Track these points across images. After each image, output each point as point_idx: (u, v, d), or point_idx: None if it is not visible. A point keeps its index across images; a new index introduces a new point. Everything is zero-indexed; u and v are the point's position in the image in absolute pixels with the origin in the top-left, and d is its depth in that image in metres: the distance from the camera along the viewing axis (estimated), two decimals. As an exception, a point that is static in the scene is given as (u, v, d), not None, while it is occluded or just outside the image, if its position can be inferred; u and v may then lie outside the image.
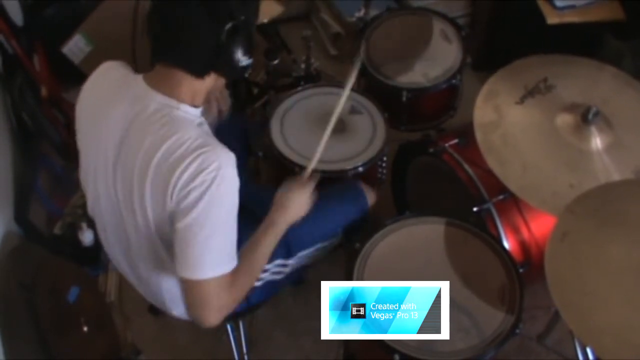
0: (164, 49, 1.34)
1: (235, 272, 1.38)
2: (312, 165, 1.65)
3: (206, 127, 1.41)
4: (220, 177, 1.29)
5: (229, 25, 1.28)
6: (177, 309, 1.59)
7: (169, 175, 1.29)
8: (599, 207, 1.42)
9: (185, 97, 1.35)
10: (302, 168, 1.83)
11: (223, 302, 1.37)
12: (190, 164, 1.28)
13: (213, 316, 1.38)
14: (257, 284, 1.65)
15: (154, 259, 1.46)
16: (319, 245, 1.74)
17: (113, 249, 1.55)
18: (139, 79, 1.38)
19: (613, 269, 1.30)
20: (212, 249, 1.32)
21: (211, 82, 1.38)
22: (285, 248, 1.66)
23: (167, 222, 1.35)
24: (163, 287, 1.53)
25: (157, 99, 1.34)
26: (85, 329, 1.77)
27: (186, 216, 1.30)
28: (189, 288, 1.36)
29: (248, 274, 1.43)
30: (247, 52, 1.35)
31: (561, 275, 1.31)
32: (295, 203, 1.55)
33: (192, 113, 1.37)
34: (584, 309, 1.27)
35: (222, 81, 1.42)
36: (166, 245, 1.40)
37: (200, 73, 1.34)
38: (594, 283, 1.29)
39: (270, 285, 1.69)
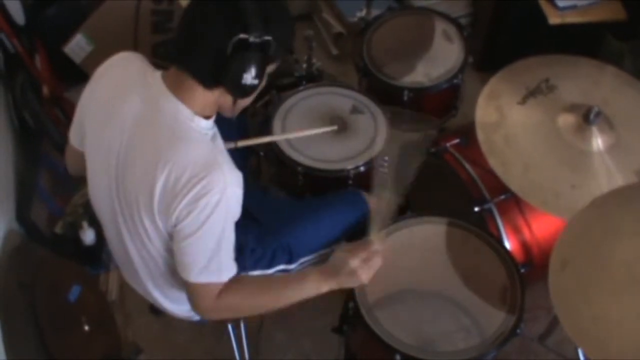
0: (180, 52, 1.29)
1: (232, 287, 1.39)
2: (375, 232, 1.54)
3: (219, 140, 1.38)
4: (225, 199, 1.28)
5: (236, 38, 1.22)
6: (174, 307, 1.60)
7: (173, 197, 1.27)
8: (593, 224, 1.36)
9: (197, 107, 1.31)
10: (306, 168, 1.83)
11: (210, 306, 1.39)
12: (194, 185, 1.26)
13: (203, 313, 1.44)
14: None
15: (152, 264, 1.46)
16: (320, 252, 1.73)
17: (113, 248, 1.54)
18: (157, 76, 1.33)
19: (619, 283, 1.26)
20: (205, 259, 1.33)
21: (219, 97, 1.33)
22: (287, 254, 1.66)
23: (167, 236, 1.36)
24: (157, 288, 1.54)
25: (173, 104, 1.30)
26: (86, 328, 1.77)
27: (188, 236, 1.30)
28: (185, 284, 1.39)
29: (245, 297, 1.42)
30: (257, 74, 1.27)
31: (570, 305, 1.27)
32: (344, 270, 1.45)
33: (204, 126, 1.33)
34: (600, 337, 1.23)
35: (229, 99, 1.33)
36: (168, 252, 1.41)
37: (207, 83, 1.29)
38: (604, 305, 1.25)
39: None
